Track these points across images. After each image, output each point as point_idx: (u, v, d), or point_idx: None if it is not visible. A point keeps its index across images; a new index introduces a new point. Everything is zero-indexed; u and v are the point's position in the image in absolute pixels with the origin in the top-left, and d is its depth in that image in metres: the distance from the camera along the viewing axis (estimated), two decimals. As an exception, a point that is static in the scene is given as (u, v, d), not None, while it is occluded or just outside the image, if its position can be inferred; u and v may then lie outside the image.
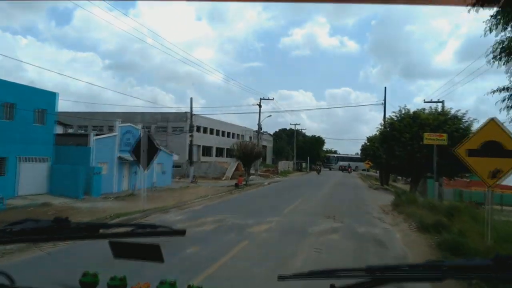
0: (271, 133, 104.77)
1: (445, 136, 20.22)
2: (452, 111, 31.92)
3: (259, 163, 75.41)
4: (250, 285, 7.49)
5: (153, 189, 35.44)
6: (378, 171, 69.40)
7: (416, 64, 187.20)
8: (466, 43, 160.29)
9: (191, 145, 43.55)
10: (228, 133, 70.46)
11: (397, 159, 31.23)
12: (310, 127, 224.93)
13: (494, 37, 10.36)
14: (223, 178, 55.06)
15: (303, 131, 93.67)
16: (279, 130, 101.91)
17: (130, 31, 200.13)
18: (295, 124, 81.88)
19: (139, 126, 36.51)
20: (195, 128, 57.68)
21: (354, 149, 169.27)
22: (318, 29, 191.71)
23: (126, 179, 35.40)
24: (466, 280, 3.70)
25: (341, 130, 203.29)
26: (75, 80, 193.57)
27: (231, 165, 57.05)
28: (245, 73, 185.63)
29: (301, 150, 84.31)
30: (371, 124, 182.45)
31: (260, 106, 53.01)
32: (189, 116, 57.97)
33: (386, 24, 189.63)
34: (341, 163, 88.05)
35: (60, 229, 1.66)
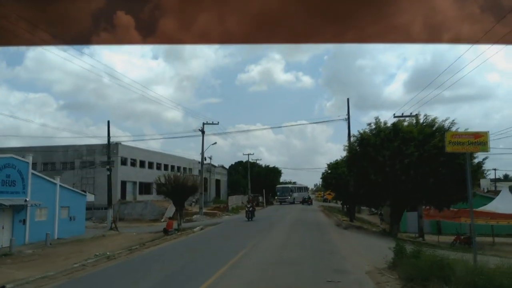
0: (227, 167, 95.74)
1: (485, 135, 11.31)
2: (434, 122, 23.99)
3: (208, 199, 65.92)
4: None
5: (49, 243, 25.32)
6: (341, 202, 61.25)
7: (368, 96, 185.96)
8: (413, 74, 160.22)
9: (109, 181, 33.58)
10: (173, 167, 60.56)
11: (371, 185, 22.68)
12: (269, 160, 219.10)
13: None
14: (162, 220, 45.05)
15: (258, 161, 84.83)
16: (235, 163, 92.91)
17: (85, 71, 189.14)
18: (248, 154, 72.91)
19: (28, 158, 26.37)
20: (119, 160, 47.88)
21: (313, 180, 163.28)
22: (274, 65, 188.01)
23: (7, 232, 24.91)
24: None
25: (300, 162, 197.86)
26: (28, 121, 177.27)
27: (172, 204, 47.09)
28: (204, 109, 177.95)
29: (256, 182, 75.21)
30: (327, 156, 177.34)
31: (203, 132, 43.92)
32: (118, 147, 48.38)
33: (338, 59, 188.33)
34: (295, 194, 77.92)
35: None
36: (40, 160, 49.84)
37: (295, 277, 10.40)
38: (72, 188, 31.93)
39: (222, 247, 17.04)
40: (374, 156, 22.14)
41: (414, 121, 23.81)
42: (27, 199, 25.85)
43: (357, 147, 24.09)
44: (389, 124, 23.63)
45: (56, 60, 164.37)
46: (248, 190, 70.39)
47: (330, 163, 46.90)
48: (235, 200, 56.11)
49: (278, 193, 76.76)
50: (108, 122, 34.22)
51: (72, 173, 47.36)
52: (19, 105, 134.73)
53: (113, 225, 32.35)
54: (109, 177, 33.61)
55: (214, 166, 78.79)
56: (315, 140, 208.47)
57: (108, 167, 32.99)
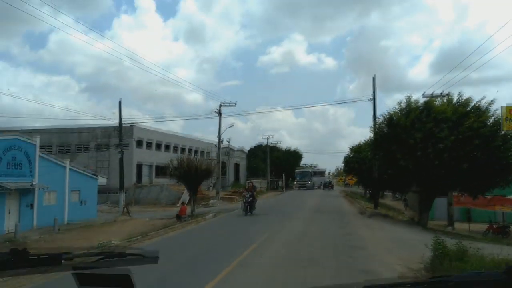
0: (246, 151, 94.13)
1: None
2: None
3: (226, 183, 64.46)
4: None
5: (57, 228, 24.20)
6: (363, 188, 58.93)
7: (392, 78, 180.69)
8: (440, 56, 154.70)
9: (121, 164, 32.16)
10: (190, 149, 59.14)
11: (399, 170, 20.60)
12: (290, 143, 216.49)
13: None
14: (178, 205, 43.72)
15: (278, 145, 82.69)
16: (255, 146, 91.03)
17: (107, 53, 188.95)
18: (267, 137, 70.93)
19: (36, 139, 25.08)
20: (134, 143, 46.60)
21: (334, 164, 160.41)
22: (296, 47, 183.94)
23: (14, 216, 23.80)
24: None
25: (322, 145, 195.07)
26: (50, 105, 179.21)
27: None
28: (224, 92, 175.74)
29: (276, 166, 73.37)
30: (349, 139, 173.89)
31: (220, 113, 42.14)
32: (134, 130, 47.06)
33: (362, 40, 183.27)
34: (315, 179, 73.49)
35: (18, 261, 1.50)
36: (56, 142, 49.08)
37: (313, 280, 8.53)
38: (82, 171, 30.63)
39: (232, 239, 15.24)
40: (404, 138, 19.94)
41: (446, 100, 21.43)
42: (34, 182, 24.64)
43: (385, 129, 21.88)
44: (420, 103, 21.33)
45: (78, 43, 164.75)
46: (267, 175, 68.69)
47: (353, 146, 44.54)
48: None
49: (297, 178, 71.71)
50: (120, 102, 32.21)
51: (86, 156, 46.41)
52: (43, 88, 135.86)
53: (125, 210, 31.06)
54: (121, 160, 32.21)
55: (233, 150, 77.20)
56: (337, 123, 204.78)
57: (119, 149, 31.48)
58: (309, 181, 68.88)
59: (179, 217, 26.60)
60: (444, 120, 19.71)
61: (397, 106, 21.74)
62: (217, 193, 41.68)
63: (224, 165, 69.86)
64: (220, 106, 42.28)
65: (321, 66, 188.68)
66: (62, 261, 1.53)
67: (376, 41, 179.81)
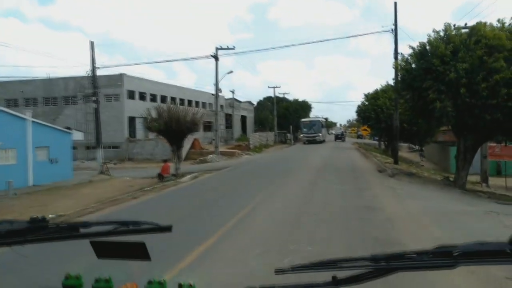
0: (254, 103, 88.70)
1: None
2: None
3: (231, 136, 59.60)
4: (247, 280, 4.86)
5: (12, 193, 19.91)
6: (378, 139, 53.64)
7: (406, 28, 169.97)
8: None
9: (97, 115, 27.30)
10: (190, 101, 53.99)
11: (433, 115, 15.40)
12: (302, 97, 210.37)
13: None
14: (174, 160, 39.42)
15: (286, 96, 76.81)
16: (264, 98, 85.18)
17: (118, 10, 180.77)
18: (274, 87, 64.96)
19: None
20: (125, 93, 41.57)
21: (346, 117, 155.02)
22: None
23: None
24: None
25: (333, 98, 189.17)
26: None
27: (186, 141, 40.97)
28: (235, 45, 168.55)
29: (284, 118, 67.96)
30: (362, 91, 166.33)
31: (216, 58, 36.50)
32: (124, 79, 41.92)
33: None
34: (324, 131, 63.76)
35: (38, 229, 1.53)
36: (41, 95, 44.38)
37: None
38: (51, 125, 25.89)
39: (206, 210, 10.38)
40: (442, 72, 14.53)
41: (496, 25, 15.67)
42: (-23, 139, 20.09)
43: (414, 63, 16.34)
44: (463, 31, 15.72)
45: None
46: (274, 127, 63.56)
47: (368, 93, 38.90)
48: (258, 138, 49.44)
49: (304, 130, 58.17)
50: (92, 43, 26.79)
51: (74, 108, 41.57)
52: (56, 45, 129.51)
53: (104, 168, 26.52)
54: (96, 110, 27.35)
55: (239, 102, 71.90)
56: (350, 75, 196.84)
57: (95, 98, 26.45)
58: (319, 133, 56.18)
59: (161, 176, 22.03)
60: (498, 48, 14.19)
61: (433, 34, 16.12)
62: (216, 147, 36.83)
63: (228, 118, 64.98)
64: (217, 49, 36.58)
65: (334, 17, 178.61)
66: (80, 230, 1.52)
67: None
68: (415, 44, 16.31)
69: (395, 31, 22.02)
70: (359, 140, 69.04)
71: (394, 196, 12.32)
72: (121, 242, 1.43)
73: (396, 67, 18.61)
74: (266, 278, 4.18)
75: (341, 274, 1.23)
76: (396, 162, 22.91)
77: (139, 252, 1.43)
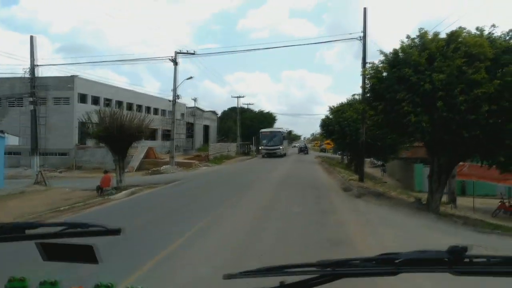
0: (218, 112, 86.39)
1: None
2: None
3: (193, 146, 56.96)
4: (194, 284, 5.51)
5: None
6: (341, 153, 52.50)
7: (369, 45, 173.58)
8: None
9: (34, 119, 24.30)
10: (148, 108, 51.18)
11: (405, 130, 13.73)
12: (267, 109, 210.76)
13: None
14: (127, 170, 36.44)
15: (251, 106, 75.08)
16: (228, 109, 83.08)
17: (83, 12, 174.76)
18: (237, 97, 62.85)
19: None
20: (76, 97, 38.46)
21: (310, 130, 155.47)
22: (277, 12, 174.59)
23: None
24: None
25: (298, 110, 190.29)
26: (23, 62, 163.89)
27: (140, 150, 38.27)
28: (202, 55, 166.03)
29: (248, 129, 66.01)
30: (326, 106, 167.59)
31: (175, 62, 34.12)
32: (75, 81, 38.79)
33: (342, 5, 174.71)
34: (286, 143, 59.09)
35: None
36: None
37: None
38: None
39: (121, 246, 8.01)
40: (416, 81, 12.87)
41: (478, 33, 14.20)
42: None
43: (384, 72, 14.65)
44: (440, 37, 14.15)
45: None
46: (238, 137, 61.44)
47: (333, 106, 37.43)
48: (219, 148, 47.12)
49: (263, 141, 51.27)
50: (31, 37, 23.84)
51: (19, 111, 37.93)
52: (16, 46, 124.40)
53: (39, 178, 23.50)
54: (34, 112, 24.33)
55: (202, 110, 69.49)
56: (314, 90, 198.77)
57: (32, 99, 23.48)
58: (280, 145, 49.93)
59: (100, 189, 19.37)
60: (478, 57, 12.69)
61: (406, 40, 14.52)
62: (172, 157, 34.27)
63: (190, 127, 62.37)
64: (176, 53, 34.22)
65: (301, 32, 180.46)
66: (26, 231, 1.49)
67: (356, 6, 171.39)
68: (388, 51, 14.66)
69: (363, 38, 20.43)
70: (322, 154, 68.08)
71: (364, 223, 10.33)
72: (69, 244, 1.38)
73: (363, 75, 16.94)
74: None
75: (289, 279, 1.23)
76: (361, 179, 21.19)
77: (87, 255, 1.37)
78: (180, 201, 13.51)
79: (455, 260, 1.20)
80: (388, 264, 1.27)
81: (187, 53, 34.53)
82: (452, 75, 12.54)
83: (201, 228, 9.27)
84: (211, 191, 15.81)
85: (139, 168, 36.33)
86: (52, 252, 1.39)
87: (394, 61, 14.28)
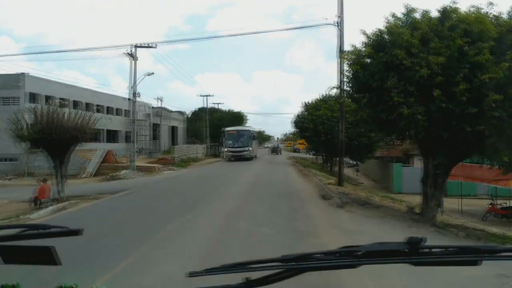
0: (187, 113, 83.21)
1: None
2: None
3: (159, 148, 53.59)
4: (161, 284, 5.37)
5: None
6: (316, 153, 50.47)
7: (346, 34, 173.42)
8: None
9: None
10: (109, 108, 47.74)
11: (407, 124, 11.28)
12: (239, 109, 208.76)
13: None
14: (83, 175, 33.18)
15: (220, 105, 72.40)
16: (198, 109, 79.92)
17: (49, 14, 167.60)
18: (206, 95, 59.81)
19: None
20: (24, 96, 34.87)
21: (282, 130, 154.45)
22: (248, 11, 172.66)
23: None
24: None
25: (269, 110, 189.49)
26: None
27: (97, 154, 35.03)
28: (172, 55, 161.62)
29: (218, 129, 63.18)
30: (297, 107, 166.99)
31: (133, 56, 31.09)
32: (25, 79, 35.21)
33: (312, 5, 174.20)
34: (255, 144, 50.75)
35: None
36: None
37: None
38: None
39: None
40: (410, 66, 10.56)
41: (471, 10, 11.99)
42: None
43: (368, 58, 12.30)
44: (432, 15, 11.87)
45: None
46: (206, 138, 58.57)
47: (308, 102, 35.20)
48: (185, 150, 44.13)
49: (229, 142, 43.18)
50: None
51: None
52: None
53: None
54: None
55: (169, 111, 66.26)
56: (286, 90, 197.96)
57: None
58: (248, 146, 42.69)
59: (36, 200, 16.40)
60: (481, 36, 10.51)
61: (392, 19, 12.20)
62: (132, 161, 31.23)
63: (156, 128, 59.06)
64: (135, 47, 31.24)
65: (271, 32, 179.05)
66: None
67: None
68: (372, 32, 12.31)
69: (340, 24, 18.05)
70: (296, 154, 66.08)
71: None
72: (28, 247, 1.35)
73: (340, 64, 14.61)
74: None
75: (253, 275, 1.24)
76: (340, 183, 18.85)
77: (47, 257, 1.35)
78: (111, 223, 10.31)
79: (413, 251, 1.23)
80: (350, 256, 1.29)
81: (148, 46, 31.62)
82: (453, 57, 10.29)
83: (140, 259, 6.61)
84: (160, 205, 12.88)
85: (96, 173, 33.13)
86: (11, 255, 1.36)
87: (380, 43, 11.95)
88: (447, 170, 11.87)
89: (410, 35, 10.94)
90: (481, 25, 10.56)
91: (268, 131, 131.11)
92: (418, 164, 41.72)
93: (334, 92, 20.67)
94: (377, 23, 23.98)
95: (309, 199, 13.89)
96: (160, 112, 55.43)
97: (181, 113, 76.07)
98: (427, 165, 12.17)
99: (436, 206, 12.01)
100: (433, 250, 1.26)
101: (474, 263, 1.27)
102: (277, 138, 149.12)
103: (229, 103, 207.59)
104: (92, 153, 35.03)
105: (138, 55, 31.36)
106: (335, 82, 17.72)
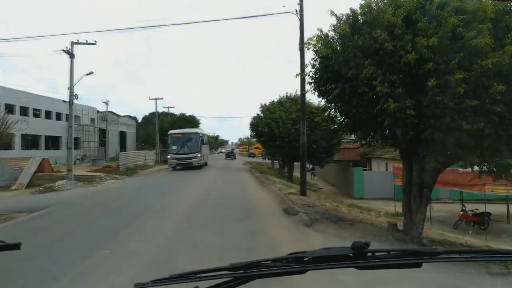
0: (137, 117, 79.55)
1: None
2: None
3: (106, 154, 49.57)
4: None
5: None
6: (269, 158, 48.55)
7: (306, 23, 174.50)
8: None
9: None
10: (48, 112, 43.50)
11: (394, 122, 8.91)
12: (192, 113, 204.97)
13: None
14: (14, 187, 29.19)
15: (172, 109, 69.20)
16: (149, 114, 76.04)
17: None
18: (155, 98, 56.10)
19: None
20: None
21: (237, 134, 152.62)
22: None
23: None
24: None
25: (224, 116, 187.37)
26: None
27: (31, 162, 31.09)
28: (123, 56, 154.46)
29: (170, 135, 59.86)
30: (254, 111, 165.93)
31: (70, 54, 27.67)
32: None
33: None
34: (205, 149, 43.56)
35: None
36: None
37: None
38: None
39: None
40: (391, 51, 8.49)
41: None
42: None
43: (338, 45, 10.11)
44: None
45: None
46: (156, 144, 55.14)
47: (265, 104, 33.01)
48: (132, 157, 40.67)
49: (174, 147, 36.38)
50: None
51: None
52: None
53: None
54: None
55: (117, 115, 62.33)
56: (243, 94, 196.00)
57: None
58: (196, 152, 36.17)
59: None
60: (476, 16, 8.62)
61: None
62: (69, 170, 27.71)
63: (102, 133, 55.01)
64: (72, 44, 27.84)
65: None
66: None
67: None
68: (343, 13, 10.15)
69: (300, 9, 15.78)
70: (251, 159, 64.02)
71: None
72: None
73: (301, 51, 12.37)
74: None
75: (203, 284, 1.18)
76: (303, 193, 16.62)
77: None
78: (9, 259, 7.47)
79: (358, 255, 1.23)
80: (298, 262, 1.26)
81: (87, 43, 28.23)
82: (445, 39, 8.29)
83: None
84: (81, 231, 9.92)
85: (30, 184, 29.24)
86: None
87: (353, 26, 9.81)
88: (434, 177, 9.85)
89: (393, 14, 8.86)
90: (477, 2, 8.68)
91: (224, 136, 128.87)
92: (375, 167, 40.77)
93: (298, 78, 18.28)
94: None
95: (270, 217, 11.41)
96: (107, 116, 51.54)
97: (131, 117, 72.20)
98: (410, 173, 10.13)
99: (422, 221, 9.95)
100: (376, 254, 1.27)
101: (416, 265, 1.27)
102: (232, 143, 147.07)
103: (183, 108, 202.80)
104: (25, 161, 31.14)
105: (85, 56, 27.98)
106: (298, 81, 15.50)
